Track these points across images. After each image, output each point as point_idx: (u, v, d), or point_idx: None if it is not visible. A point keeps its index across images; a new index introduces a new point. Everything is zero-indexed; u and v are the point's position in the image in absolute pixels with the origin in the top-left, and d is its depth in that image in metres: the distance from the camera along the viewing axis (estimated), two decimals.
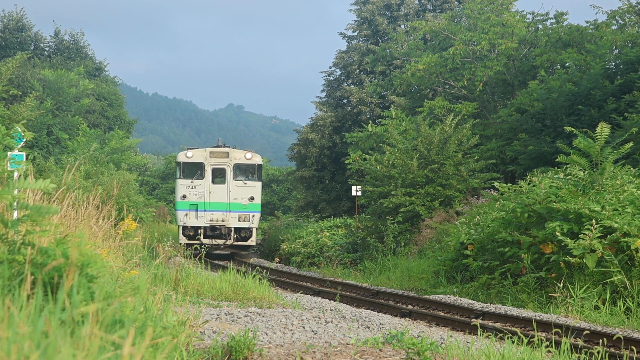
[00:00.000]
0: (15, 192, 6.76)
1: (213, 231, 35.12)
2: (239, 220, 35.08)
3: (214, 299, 15.80)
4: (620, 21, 35.62)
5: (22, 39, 63.46)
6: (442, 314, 17.33)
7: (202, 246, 32.08)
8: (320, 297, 20.84)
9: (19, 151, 13.53)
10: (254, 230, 35.54)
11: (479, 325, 13.11)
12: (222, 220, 34.99)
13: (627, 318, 15.72)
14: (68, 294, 4.94)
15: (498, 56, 37.74)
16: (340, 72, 55.00)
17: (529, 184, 21.86)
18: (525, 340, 10.46)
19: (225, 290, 16.44)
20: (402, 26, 54.27)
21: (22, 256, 5.68)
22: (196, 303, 13.76)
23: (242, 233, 35.33)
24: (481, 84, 37.86)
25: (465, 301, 18.76)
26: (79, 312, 4.78)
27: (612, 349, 12.55)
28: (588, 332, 13.18)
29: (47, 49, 65.16)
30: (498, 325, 15.21)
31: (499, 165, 34.80)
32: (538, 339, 10.20)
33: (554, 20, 39.13)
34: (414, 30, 45.43)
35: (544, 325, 14.31)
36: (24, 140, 12.75)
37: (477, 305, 18.06)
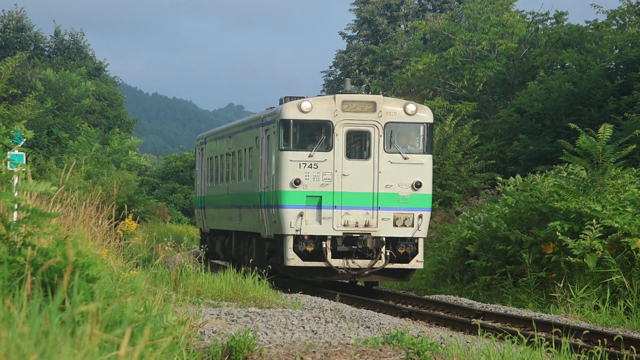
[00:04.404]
0: (16, 194, 6.76)
1: (349, 244, 20.37)
2: (395, 225, 20.43)
3: (214, 299, 15.81)
4: (620, 21, 35.61)
5: (22, 39, 63.47)
6: (442, 314, 17.32)
7: (332, 273, 20.49)
8: (320, 297, 20.81)
9: (19, 151, 13.52)
10: (420, 243, 20.53)
11: (479, 325, 13.09)
12: (365, 225, 20.35)
13: (627, 318, 15.74)
14: (68, 293, 4.94)
15: (498, 56, 37.74)
16: (340, 72, 55.02)
17: (531, 182, 21.88)
18: (525, 340, 10.47)
19: (225, 290, 16.45)
20: (402, 26, 54.28)
21: (22, 257, 5.68)
22: (196, 303, 13.76)
23: (401, 247, 20.40)
24: (481, 84, 37.86)
25: (465, 301, 18.77)
26: (79, 311, 4.78)
27: (612, 349, 12.55)
28: (588, 332, 13.18)
29: (47, 49, 65.21)
30: (498, 325, 15.21)
31: (499, 165, 34.80)
32: (538, 339, 10.21)
33: (554, 20, 39.15)
34: (414, 30, 45.44)
35: (544, 325, 14.31)
36: (25, 139, 12.76)
37: (477, 305, 18.07)
